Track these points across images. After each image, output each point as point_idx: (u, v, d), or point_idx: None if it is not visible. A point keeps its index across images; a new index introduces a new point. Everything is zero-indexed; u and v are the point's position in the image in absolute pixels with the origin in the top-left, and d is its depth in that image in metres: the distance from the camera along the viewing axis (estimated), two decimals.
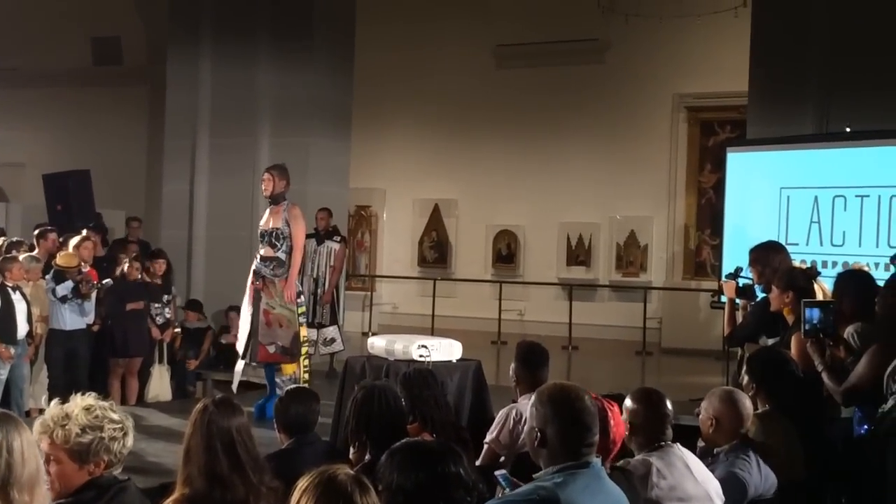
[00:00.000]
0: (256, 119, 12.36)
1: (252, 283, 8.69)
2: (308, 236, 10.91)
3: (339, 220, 12.34)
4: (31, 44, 18.29)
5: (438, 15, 16.65)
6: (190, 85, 12.63)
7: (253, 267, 8.72)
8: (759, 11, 11.29)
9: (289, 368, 8.63)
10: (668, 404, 4.14)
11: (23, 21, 17.86)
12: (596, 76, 16.01)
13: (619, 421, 3.93)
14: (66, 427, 3.21)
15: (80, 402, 3.28)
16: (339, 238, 11.81)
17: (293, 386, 4.50)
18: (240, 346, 8.78)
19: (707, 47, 15.05)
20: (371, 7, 14.50)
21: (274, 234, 8.57)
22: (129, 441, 3.31)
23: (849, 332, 5.23)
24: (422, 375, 5.32)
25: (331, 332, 11.28)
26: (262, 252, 8.67)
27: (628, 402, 4.15)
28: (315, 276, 11.35)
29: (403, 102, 17.11)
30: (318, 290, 11.30)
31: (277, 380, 8.64)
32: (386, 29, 16.26)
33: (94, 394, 3.36)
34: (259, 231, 8.80)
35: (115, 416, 3.28)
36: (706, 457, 4.31)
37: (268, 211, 8.81)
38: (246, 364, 8.92)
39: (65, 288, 9.41)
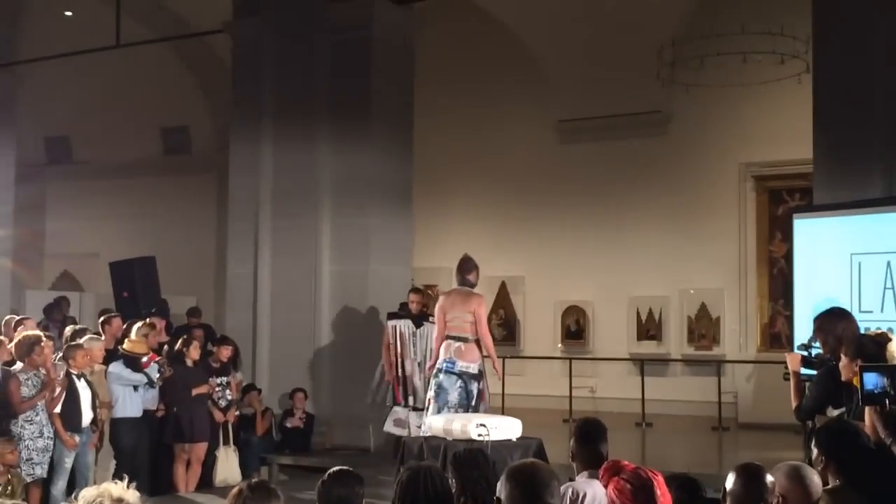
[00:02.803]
0: (317, 199, 12.40)
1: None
2: (403, 317, 10.96)
3: (403, 299, 12.29)
4: (104, 136, 18.83)
5: (499, 90, 16.73)
6: (252, 168, 12.77)
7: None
8: (820, 76, 11.09)
9: None
10: (769, 479, 3.94)
11: (96, 115, 18.40)
12: (660, 148, 15.90)
13: (665, 491, 3.77)
14: None
15: None
16: (432, 319, 11.59)
17: (337, 468, 4.36)
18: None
19: (771, 115, 14.86)
20: (430, 84, 14.62)
21: None
22: None
23: None
24: (472, 455, 5.16)
25: None
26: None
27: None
28: (419, 359, 10.79)
29: (467, 179, 17.15)
30: (421, 374, 10.63)
31: None
32: (446, 106, 16.38)
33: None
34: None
35: None
36: None
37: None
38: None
39: (153, 370, 9.69)
